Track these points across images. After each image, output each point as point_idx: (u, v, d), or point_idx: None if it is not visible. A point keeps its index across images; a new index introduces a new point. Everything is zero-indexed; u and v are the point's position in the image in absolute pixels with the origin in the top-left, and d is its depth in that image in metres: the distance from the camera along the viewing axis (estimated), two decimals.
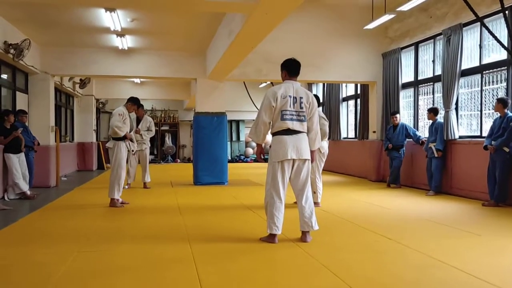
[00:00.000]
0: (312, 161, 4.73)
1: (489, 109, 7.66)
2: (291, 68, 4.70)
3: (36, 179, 9.31)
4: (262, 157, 4.91)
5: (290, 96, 4.52)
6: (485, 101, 7.74)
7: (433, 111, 8.37)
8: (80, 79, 13.71)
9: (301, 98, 4.56)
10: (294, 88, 4.59)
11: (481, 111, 7.81)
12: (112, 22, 8.18)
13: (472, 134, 8.11)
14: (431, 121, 8.41)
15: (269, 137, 4.75)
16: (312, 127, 4.67)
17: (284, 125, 4.50)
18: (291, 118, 4.51)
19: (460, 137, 8.15)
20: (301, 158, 4.52)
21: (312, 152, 4.71)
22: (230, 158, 19.04)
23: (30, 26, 8.65)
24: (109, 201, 7.01)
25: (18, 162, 7.93)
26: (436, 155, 8.14)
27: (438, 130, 8.16)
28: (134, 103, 7.47)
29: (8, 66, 9.04)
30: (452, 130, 8.08)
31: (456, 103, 8.20)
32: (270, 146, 4.68)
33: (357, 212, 6.43)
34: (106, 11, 7.54)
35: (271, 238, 4.50)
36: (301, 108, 4.55)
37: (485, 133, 7.53)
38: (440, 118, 8.34)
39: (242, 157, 20.06)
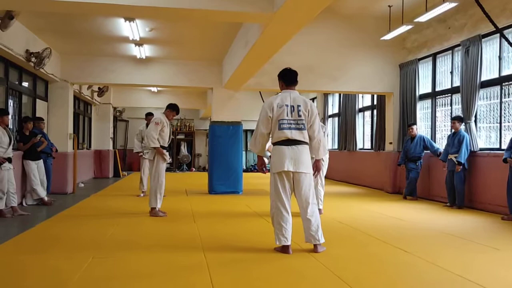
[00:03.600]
0: (318, 171, 4.67)
1: (509, 121, 7.54)
2: (286, 78, 4.69)
3: (54, 185, 9.45)
4: (264, 168, 4.86)
5: (287, 105, 4.50)
6: (505, 113, 7.62)
7: (459, 120, 7.99)
8: (99, 88, 13.92)
9: (298, 106, 4.51)
10: (292, 97, 4.56)
11: (500, 123, 7.69)
12: (131, 31, 8.30)
13: (491, 146, 7.98)
14: (453, 131, 8.06)
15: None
16: (313, 135, 4.57)
17: (282, 134, 4.47)
18: (289, 127, 4.47)
19: (480, 149, 8.01)
20: (298, 171, 4.44)
21: (317, 161, 4.67)
22: (245, 168, 19.04)
23: (51, 35, 8.84)
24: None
25: (36, 169, 8.06)
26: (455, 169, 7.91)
27: (463, 142, 7.78)
28: (173, 109, 7.13)
29: (29, 74, 9.23)
30: (473, 142, 7.94)
31: (475, 115, 8.08)
32: (270, 157, 4.66)
33: (373, 223, 6.35)
34: (125, 21, 7.66)
35: (284, 249, 4.45)
36: (299, 116, 4.49)
37: (504, 146, 7.40)
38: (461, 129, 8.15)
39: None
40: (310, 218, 4.46)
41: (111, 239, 5.17)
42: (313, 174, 4.65)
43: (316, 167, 4.69)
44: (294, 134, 4.47)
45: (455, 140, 7.98)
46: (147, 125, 9.71)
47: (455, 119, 8.05)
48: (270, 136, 4.61)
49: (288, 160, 4.41)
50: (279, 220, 4.45)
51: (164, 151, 6.94)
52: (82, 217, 6.89)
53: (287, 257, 4.34)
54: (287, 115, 4.47)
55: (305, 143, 4.54)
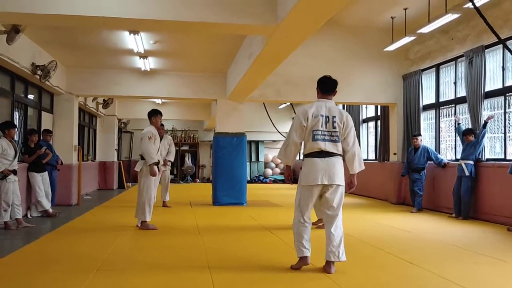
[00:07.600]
0: (353, 187, 4.44)
1: None
2: (324, 86, 4.49)
3: (59, 197, 9.47)
4: (291, 178, 4.64)
5: (322, 115, 4.27)
6: (509, 124, 7.60)
7: (471, 132, 7.85)
8: (104, 100, 14.00)
9: (334, 117, 4.29)
10: (327, 106, 4.34)
11: (504, 133, 7.66)
12: (136, 44, 8.38)
13: (496, 157, 7.95)
14: (465, 143, 7.95)
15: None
16: (347, 148, 4.34)
17: (316, 145, 4.25)
18: (323, 138, 4.25)
19: (485, 159, 7.97)
20: (332, 184, 4.22)
21: (352, 176, 4.42)
22: (249, 179, 19.01)
23: (57, 48, 8.92)
24: (134, 222, 6.87)
25: (41, 181, 8.09)
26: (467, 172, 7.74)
27: (479, 141, 7.65)
28: (156, 113, 7.06)
29: (34, 87, 9.30)
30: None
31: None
32: (300, 168, 4.41)
33: (379, 235, 6.32)
34: (130, 34, 7.73)
35: (302, 261, 4.22)
36: (334, 127, 4.27)
37: (509, 156, 7.37)
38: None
39: (261, 177, 20.02)
40: (334, 232, 4.22)
41: (115, 252, 5.16)
42: (348, 191, 4.42)
43: (351, 182, 4.41)
44: (328, 146, 4.25)
45: (470, 147, 7.83)
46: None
47: (466, 133, 7.91)
48: (302, 146, 4.41)
49: (321, 174, 4.18)
50: (301, 232, 4.24)
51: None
52: (86, 229, 6.89)
53: (297, 276, 4.13)
54: (322, 126, 4.25)
55: (339, 155, 4.32)
